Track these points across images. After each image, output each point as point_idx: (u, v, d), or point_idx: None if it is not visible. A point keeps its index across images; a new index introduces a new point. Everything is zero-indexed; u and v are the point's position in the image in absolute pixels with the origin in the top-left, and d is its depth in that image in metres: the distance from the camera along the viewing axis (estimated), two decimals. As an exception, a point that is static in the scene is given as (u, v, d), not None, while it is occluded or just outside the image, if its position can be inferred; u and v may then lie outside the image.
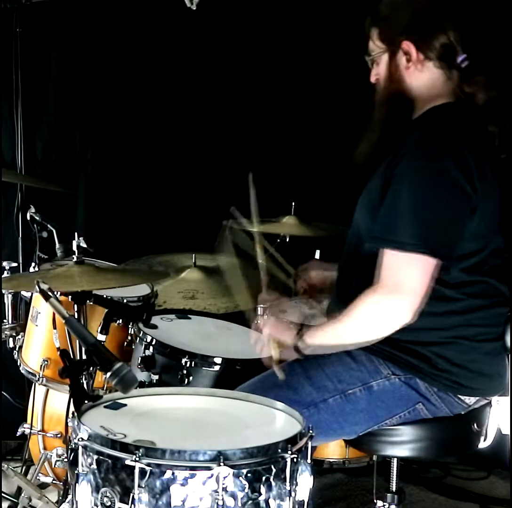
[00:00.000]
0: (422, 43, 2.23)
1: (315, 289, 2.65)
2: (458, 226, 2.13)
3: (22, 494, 2.86)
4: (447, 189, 2.09)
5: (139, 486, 1.67)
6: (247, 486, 1.69)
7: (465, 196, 2.11)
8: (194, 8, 3.27)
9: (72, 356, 2.28)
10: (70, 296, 2.58)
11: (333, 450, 2.94)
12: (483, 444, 2.36)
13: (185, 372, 2.43)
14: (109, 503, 1.71)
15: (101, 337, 2.53)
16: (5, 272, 3.08)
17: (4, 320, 3.15)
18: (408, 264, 2.07)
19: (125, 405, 1.96)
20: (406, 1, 2.29)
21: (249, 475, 1.69)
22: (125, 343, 2.81)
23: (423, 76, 2.25)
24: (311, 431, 1.83)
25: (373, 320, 2.12)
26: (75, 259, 2.53)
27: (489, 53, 3.37)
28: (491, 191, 2.19)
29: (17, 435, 3.03)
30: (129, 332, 2.76)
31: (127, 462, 1.68)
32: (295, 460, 1.75)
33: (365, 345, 2.19)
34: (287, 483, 1.74)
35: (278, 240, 3.44)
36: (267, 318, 2.33)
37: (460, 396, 2.24)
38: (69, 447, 1.79)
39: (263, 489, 1.71)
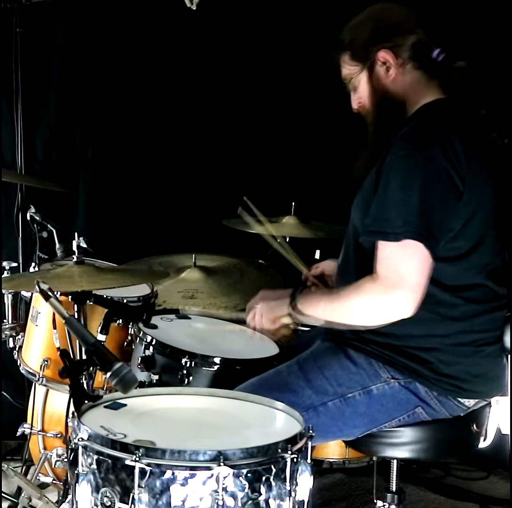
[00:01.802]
0: (397, 48, 2.25)
1: (328, 283, 2.63)
2: (445, 211, 2.10)
3: (22, 494, 2.86)
4: (434, 175, 2.08)
5: (139, 486, 1.67)
6: (247, 486, 1.69)
7: (453, 183, 2.10)
8: (194, 8, 3.28)
9: (72, 356, 2.28)
10: (70, 296, 2.58)
11: (333, 450, 2.94)
12: (483, 444, 2.35)
13: (185, 372, 2.43)
14: (109, 503, 1.71)
15: (101, 337, 2.53)
16: (5, 272, 3.08)
17: (4, 320, 3.15)
18: (403, 254, 2.05)
19: (125, 405, 1.96)
20: (366, 18, 2.31)
21: (249, 475, 1.69)
22: (125, 343, 2.81)
23: (406, 79, 2.27)
24: (311, 431, 1.83)
25: (373, 312, 2.11)
26: (75, 259, 2.53)
27: (487, 49, 3.39)
28: (480, 183, 2.18)
29: (17, 435, 3.04)
30: (129, 332, 2.76)
31: (127, 462, 1.68)
32: (295, 460, 1.75)
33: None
34: (287, 483, 1.74)
35: (278, 240, 3.44)
36: (260, 296, 2.34)
37: (460, 399, 2.23)
38: (69, 447, 1.79)
39: (263, 489, 1.71)
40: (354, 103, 2.36)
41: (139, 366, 2.50)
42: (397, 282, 2.06)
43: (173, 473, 1.67)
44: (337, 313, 2.17)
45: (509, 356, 2.30)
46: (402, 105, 2.27)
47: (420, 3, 2.86)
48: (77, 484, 1.75)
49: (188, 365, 2.43)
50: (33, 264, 3.23)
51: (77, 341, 2.51)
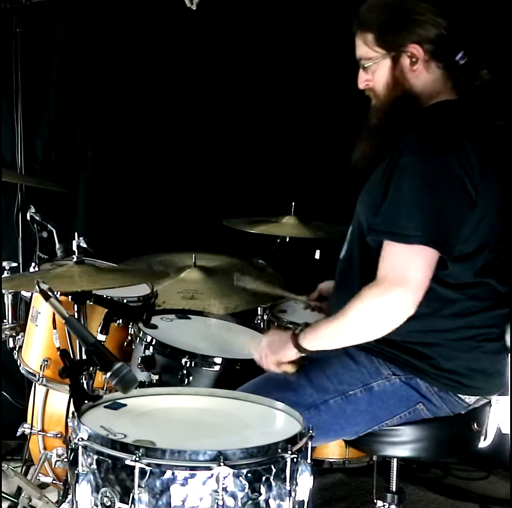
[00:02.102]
0: (426, 43, 2.22)
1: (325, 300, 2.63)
2: (459, 219, 2.11)
3: (22, 494, 2.86)
4: (448, 182, 2.08)
5: (139, 486, 1.67)
6: (247, 486, 1.69)
7: (466, 191, 2.10)
8: (194, 8, 3.28)
9: (72, 356, 2.28)
10: (70, 296, 2.58)
11: (333, 450, 2.95)
12: (483, 444, 2.36)
13: (185, 372, 2.43)
14: (109, 503, 1.71)
15: (101, 337, 2.53)
16: (5, 272, 3.08)
17: (4, 320, 3.15)
18: (410, 255, 2.06)
19: (125, 405, 1.96)
20: (395, 4, 2.25)
21: (249, 475, 1.70)
22: (125, 343, 2.81)
23: (428, 76, 2.24)
24: (311, 431, 1.83)
25: (376, 316, 2.09)
26: (75, 259, 2.53)
27: (487, 49, 3.38)
28: (491, 187, 2.18)
29: (17, 435, 3.03)
30: (129, 332, 2.76)
31: (127, 462, 1.68)
32: (295, 460, 1.75)
33: (365, 342, 2.17)
34: (287, 483, 1.74)
35: (278, 241, 3.44)
36: (266, 337, 2.31)
37: (460, 396, 2.23)
38: (69, 447, 1.79)
39: (263, 489, 1.71)
40: (361, 82, 2.31)
41: (139, 366, 2.50)
42: (396, 281, 2.06)
43: (173, 473, 1.67)
44: (341, 331, 2.13)
45: (510, 354, 2.31)
46: (417, 100, 2.25)
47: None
48: (77, 484, 1.75)
49: (188, 365, 2.43)
50: (33, 264, 3.23)
51: (77, 341, 2.51)
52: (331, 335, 2.16)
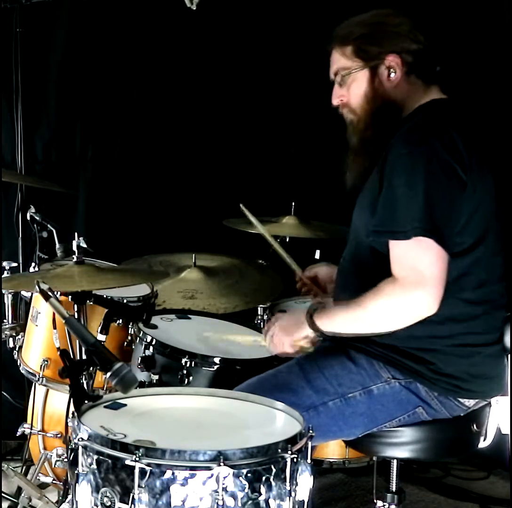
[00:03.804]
0: (405, 54, 2.24)
1: (322, 286, 2.62)
2: (452, 202, 2.10)
3: (22, 494, 2.87)
4: (436, 168, 2.07)
5: (139, 486, 1.67)
6: (247, 486, 1.69)
7: (455, 175, 2.09)
8: (194, 8, 3.28)
9: (72, 356, 2.28)
10: (70, 296, 2.58)
11: (333, 450, 2.95)
12: (483, 444, 2.35)
13: (185, 372, 2.43)
14: (109, 503, 1.71)
15: (101, 337, 2.53)
16: (5, 272, 3.08)
17: (4, 320, 3.15)
18: (416, 251, 2.05)
19: (125, 405, 1.96)
20: (375, 18, 2.28)
21: (249, 475, 1.69)
22: (125, 343, 2.81)
23: (406, 86, 2.26)
24: (311, 431, 1.83)
25: (396, 315, 2.09)
26: (75, 259, 2.54)
27: (487, 47, 3.38)
28: (483, 179, 2.18)
29: (17, 435, 3.03)
30: (129, 332, 2.76)
31: (127, 462, 1.68)
32: (295, 460, 1.75)
33: (368, 342, 2.19)
34: (287, 483, 1.74)
35: (278, 240, 3.44)
36: (276, 321, 2.31)
37: (460, 399, 2.23)
38: (69, 447, 1.79)
39: (263, 489, 1.71)
40: (336, 98, 2.33)
41: (139, 366, 2.50)
42: (416, 280, 2.05)
43: (173, 473, 1.67)
44: (359, 322, 2.14)
45: (509, 356, 2.30)
46: (399, 109, 2.26)
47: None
48: (77, 484, 1.75)
49: (188, 365, 2.43)
50: (33, 264, 3.23)
51: (77, 341, 2.51)
52: (347, 323, 2.16)
